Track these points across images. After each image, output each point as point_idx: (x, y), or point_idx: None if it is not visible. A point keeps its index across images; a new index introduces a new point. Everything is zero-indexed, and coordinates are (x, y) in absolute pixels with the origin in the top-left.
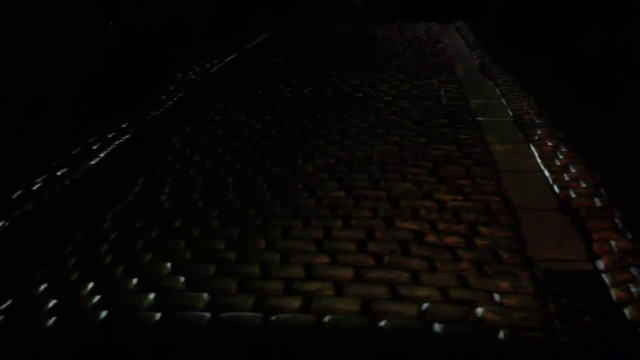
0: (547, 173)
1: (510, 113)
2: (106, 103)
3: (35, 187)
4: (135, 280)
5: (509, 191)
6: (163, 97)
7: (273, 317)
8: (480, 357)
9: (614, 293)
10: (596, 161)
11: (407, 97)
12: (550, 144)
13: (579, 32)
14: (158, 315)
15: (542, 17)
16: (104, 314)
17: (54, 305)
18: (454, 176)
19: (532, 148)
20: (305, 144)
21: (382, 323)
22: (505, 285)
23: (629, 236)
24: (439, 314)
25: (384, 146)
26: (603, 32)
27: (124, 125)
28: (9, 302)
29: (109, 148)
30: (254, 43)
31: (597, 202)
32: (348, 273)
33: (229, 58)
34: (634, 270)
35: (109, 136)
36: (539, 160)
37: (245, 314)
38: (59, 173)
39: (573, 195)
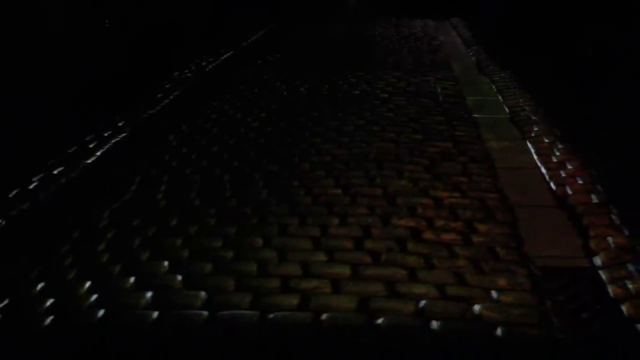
0: (543, 170)
1: (507, 110)
2: (102, 101)
3: (31, 186)
4: (132, 279)
5: (505, 188)
6: (159, 96)
7: (270, 315)
8: (478, 354)
9: (610, 290)
10: (593, 158)
11: (403, 94)
12: (546, 140)
13: (575, 30)
14: (155, 314)
15: (539, 14)
16: (101, 312)
17: (51, 304)
18: (450, 173)
19: (529, 145)
20: (301, 142)
21: (380, 320)
22: (502, 282)
23: (626, 233)
24: (436, 311)
25: (380, 143)
26: (600, 29)
27: (120, 124)
28: (6, 302)
29: (106, 146)
30: (249, 41)
31: (594, 198)
32: (345, 271)
33: (225, 56)
34: (630, 267)
35: (105, 135)
36: (535, 157)
37: (243, 312)
38: (55, 172)
39: (570, 191)
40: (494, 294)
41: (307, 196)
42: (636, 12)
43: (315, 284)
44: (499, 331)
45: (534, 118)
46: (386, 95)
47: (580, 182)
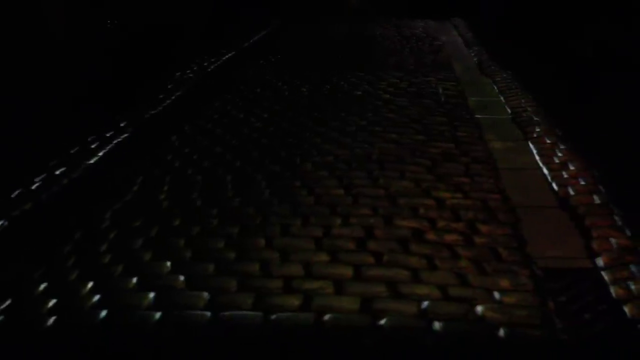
0: (545, 170)
1: (509, 110)
2: (104, 102)
3: (34, 187)
4: (134, 279)
5: (507, 189)
6: (161, 96)
7: (273, 316)
8: (480, 355)
9: (613, 290)
10: (595, 158)
11: (405, 94)
12: (548, 141)
13: (577, 30)
14: (158, 315)
15: (540, 14)
16: (103, 313)
17: (54, 304)
18: (452, 174)
19: (531, 145)
20: (303, 142)
21: (382, 321)
22: (504, 283)
23: (628, 233)
24: (439, 312)
25: (382, 144)
26: (601, 29)
27: (122, 124)
28: (8, 302)
29: (108, 147)
30: (251, 41)
31: (596, 199)
32: (348, 271)
33: (227, 56)
34: (633, 268)
35: (108, 135)
36: (537, 157)
37: (245, 312)
38: (57, 172)
39: (572, 192)
40: (496, 294)
41: (310, 196)
42: (637, 12)
43: (318, 284)
44: (501, 332)
45: (536, 119)
46: (388, 96)
47: (583, 182)
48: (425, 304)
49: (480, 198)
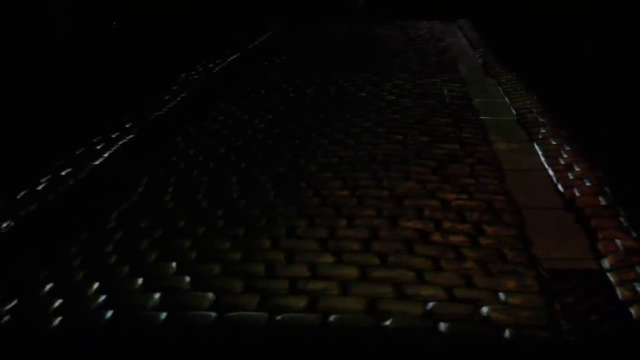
0: (551, 172)
1: (514, 112)
2: (109, 103)
3: (39, 187)
4: (140, 280)
5: (513, 190)
6: (166, 97)
7: (278, 317)
8: (486, 357)
9: (619, 292)
10: (600, 160)
11: (409, 96)
12: (554, 142)
13: (582, 31)
14: (163, 315)
15: (546, 15)
16: (109, 313)
17: (60, 305)
18: (457, 175)
19: (536, 147)
20: (308, 143)
21: (387, 322)
22: (510, 284)
23: (634, 235)
24: (444, 313)
25: (387, 145)
26: (606, 30)
27: (127, 125)
28: (14, 302)
29: (113, 148)
30: (256, 43)
31: (602, 200)
32: (353, 272)
33: (232, 58)
34: (639, 269)
35: (113, 136)
36: (542, 159)
37: (251, 313)
38: (63, 173)
39: (577, 193)
40: (502, 296)
41: (315, 198)
42: None
43: (323, 285)
44: (507, 333)
45: (541, 120)
46: (393, 97)
47: (588, 184)
48: (430, 305)
49: (486, 199)
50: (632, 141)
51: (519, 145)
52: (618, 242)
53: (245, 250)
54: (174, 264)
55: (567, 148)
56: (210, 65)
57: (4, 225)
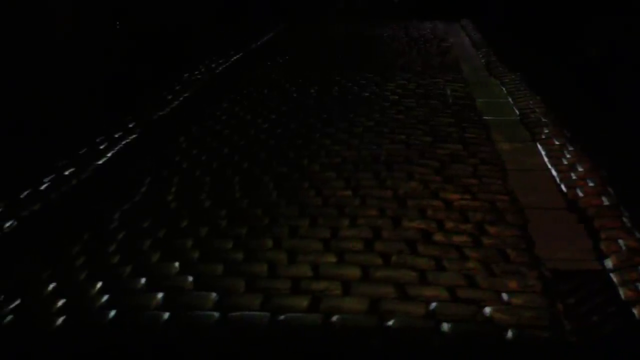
0: (554, 172)
1: (517, 112)
2: (112, 103)
3: (42, 187)
4: (143, 280)
5: (516, 190)
6: (169, 97)
7: (281, 317)
8: (488, 357)
9: (622, 292)
10: (603, 160)
11: (412, 96)
12: (557, 142)
13: (585, 31)
14: (166, 315)
15: (548, 15)
16: (112, 313)
17: (63, 304)
18: (460, 175)
19: (539, 147)
20: (311, 143)
21: (390, 322)
22: (513, 284)
23: (637, 235)
24: (447, 313)
25: (390, 145)
26: (609, 29)
27: (130, 125)
28: (17, 302)
29: (116, 148)
30: (259, 43)
31: (605, 200)
32: (355, 272)
33: (235, 58)
34: None
35: (116, 136)
36: (545, 159)
37: (253, 313)
38: (66, 173)
39: (580, 194)
40: (504, 296)
41: (317, 197)
42: None
43: (326, 285)
44: (509, 334)
45: (544, 120)
46: (396, 97)
47: (591, 184)
48: (433, 305)
49: (489, 199)
50: (635, 141)
51: (522, 145)
52: (621, 242)
53: (248, 250)
54: (176, 264)
55: (570, 148)
56: (213, 65)
57: (7, 224)
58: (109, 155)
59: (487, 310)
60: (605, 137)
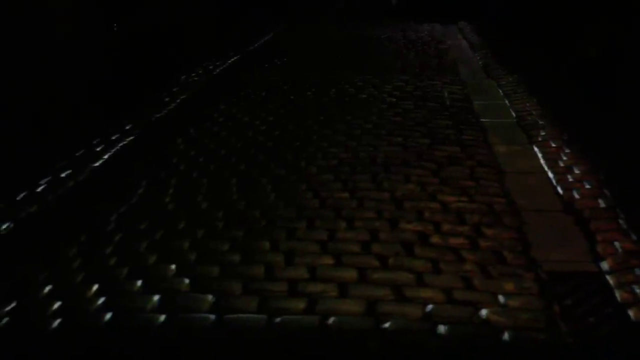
0: (550, 174)
1: (514, 114)
2: (109, 104)
3: (39, 189)
4: (139, 282)
5: (512, 192)
6: (167, 99)
7: (277, 319)
8: (485, 359)
9: (618, 294)
10: (600, 162)
11: (410, 98)
12: (553, 145)
13: (582, 33)
14: (162, 317)
15: (546, 17)
16: (108, 315)
17: (59, 306)
18: (457, 177)
19: (536, 149)
20: (309, 145)
21: (387, 324)
22: (509, 286)
23: (634, 237)
24: (444, 315)
25: (387, 147)
26: (608, 31)
27: (127, 127)
28: (13, 304)
29: (113, 150)
30: (256, 44)
31: (601, 203)
32: (352, 274)
33: (232, 59)
34: (638, 272)
35: (113, 138)
36: (542, 161)
37: (250, 315)
38: (63, 175)
39: (577, 196)
40: (501, 298)
41: (315, 199)
42: None
43: (323, 287)
44: (506, 335)
45: (541, 122)
46: (393, 99)
47: (588, 186)
48: (429, 307)
49: (486, 202)
50: (632, 144)
51: (519, 147)
52: (617, 244)
53: (244, 252)
54: (173, 266)
55: (567, 150)
56: (211, 67)
57: (4, 226)
58: (105, 157)
59: (484, 312)
60: (601, 140)
